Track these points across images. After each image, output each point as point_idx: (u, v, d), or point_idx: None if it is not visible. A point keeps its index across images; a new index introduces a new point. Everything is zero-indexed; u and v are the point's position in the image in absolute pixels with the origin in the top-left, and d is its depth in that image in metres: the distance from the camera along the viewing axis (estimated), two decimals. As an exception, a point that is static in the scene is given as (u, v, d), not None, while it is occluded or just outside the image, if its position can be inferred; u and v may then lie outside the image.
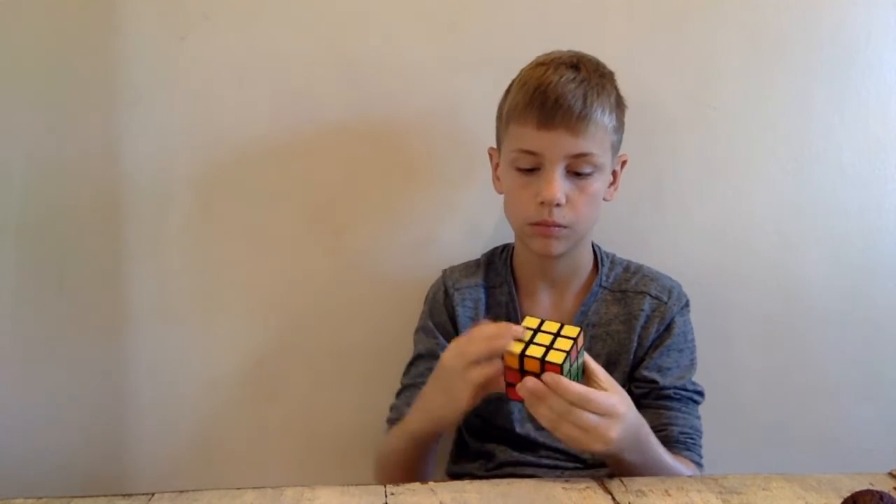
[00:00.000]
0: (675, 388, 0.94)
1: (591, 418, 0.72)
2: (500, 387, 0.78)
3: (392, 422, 0.98)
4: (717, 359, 1.15)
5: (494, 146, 1.00)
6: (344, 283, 1.15)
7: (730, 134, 1.16)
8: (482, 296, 1.02)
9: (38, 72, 1.09)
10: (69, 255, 1.12)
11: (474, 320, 1.01)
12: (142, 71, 1.10)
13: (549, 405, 0.73)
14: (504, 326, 0.77)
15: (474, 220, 1.15)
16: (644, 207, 1.16)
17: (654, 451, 0.82)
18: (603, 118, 0.89)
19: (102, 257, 1.12)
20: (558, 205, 0.89)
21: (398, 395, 1.01)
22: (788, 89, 1.16)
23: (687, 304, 1.00)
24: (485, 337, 0.77)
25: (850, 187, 1.18)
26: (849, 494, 0.64)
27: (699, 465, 0.91)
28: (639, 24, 1.13)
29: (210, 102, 1.11)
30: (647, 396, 0.95)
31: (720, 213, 1.17)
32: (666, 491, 0.74)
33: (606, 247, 1.05)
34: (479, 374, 0.77)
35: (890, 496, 0.61)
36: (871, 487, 0.64)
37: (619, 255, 1.05)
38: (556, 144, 0.88)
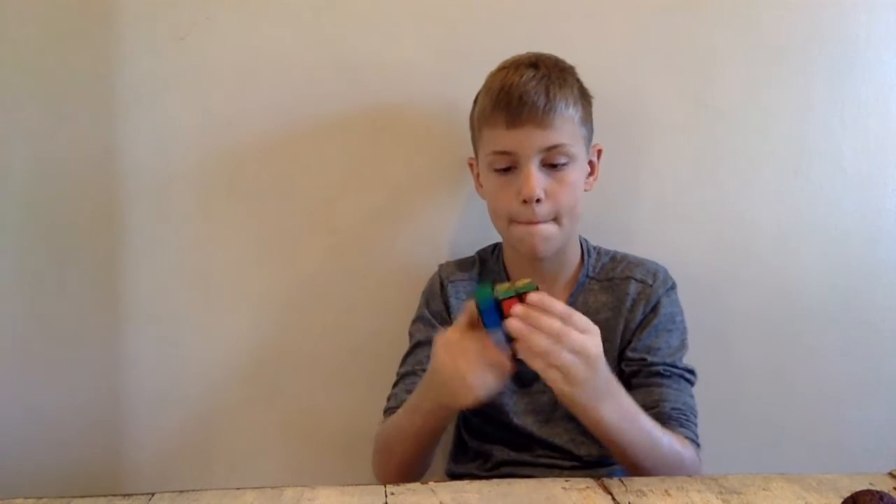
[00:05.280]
0: (665, 364, 0.95)
1: (566, 357, 0.75)
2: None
3: (390, 411, 0.97)
4: (716, 359, 1.15)
5: (473, 157, 1.03)
6: (343, 283, 1.15)
7: (729, 134, 1.16)
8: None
9: (38, 72, 1.09)
10: (69, 255, 1.12)
11: None
12: (141, 71, 1.10)
13: (538, 334, 0.74)
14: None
15: (473, 220, 1.14)
16: (643, 207, 1.16)
17: (643, 422, 0.82)
18: (568, 110, 0.93)
19: (102, 257, 1.12)
20: (538, 201, 0.92)
21: (395, 384, 1.01)
22: (788, 89, 1.16)
23: (673, 287, 1.01)
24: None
25: (850, 187, 1.17)
26: (849, 494, 0.64)
27: (695, 442, 0.90)
28: (639, 24, 1.13)
29: (210, 102, 1.11)
30: (637, 375, 0.95)
31: (720, 214, 1.17)
32: (666, 491, 0.74)
33: (604, 245, 1.05)
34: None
35: (890, 496, 0.61)
36: (871, 487, 0.64)
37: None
38: (527, 141, 0.92)
